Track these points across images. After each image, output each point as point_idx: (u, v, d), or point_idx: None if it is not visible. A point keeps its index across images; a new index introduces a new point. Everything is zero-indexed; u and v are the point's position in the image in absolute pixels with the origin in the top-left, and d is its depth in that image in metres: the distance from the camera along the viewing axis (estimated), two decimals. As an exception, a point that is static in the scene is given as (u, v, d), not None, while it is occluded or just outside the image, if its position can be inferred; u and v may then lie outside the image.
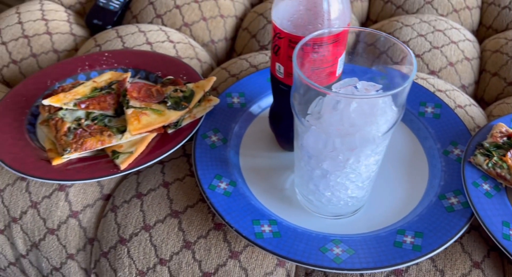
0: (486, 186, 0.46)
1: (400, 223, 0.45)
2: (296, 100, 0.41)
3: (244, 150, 0.53)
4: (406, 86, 0.37)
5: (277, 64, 0.46)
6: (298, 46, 0.39)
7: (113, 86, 0.53)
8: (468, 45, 0.71)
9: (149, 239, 0.47)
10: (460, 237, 0.46)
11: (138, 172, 0.52)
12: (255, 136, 0.55)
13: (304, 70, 0.43)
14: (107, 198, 0.52)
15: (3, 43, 0.69)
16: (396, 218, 0.46)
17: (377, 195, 0.48)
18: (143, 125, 0.49)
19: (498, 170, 0.46)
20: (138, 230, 0.47)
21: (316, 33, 0.40)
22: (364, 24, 0.84)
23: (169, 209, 0.48)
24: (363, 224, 0.46)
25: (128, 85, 0.53)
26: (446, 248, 0.45)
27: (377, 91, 0.42)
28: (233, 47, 0.78)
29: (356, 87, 0.43)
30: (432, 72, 0.67)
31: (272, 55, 0.46)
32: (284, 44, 0.43)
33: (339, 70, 0.45)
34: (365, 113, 0.40)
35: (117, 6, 0.76)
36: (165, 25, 0.75)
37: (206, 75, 0.68)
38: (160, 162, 0.52)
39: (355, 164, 0.41)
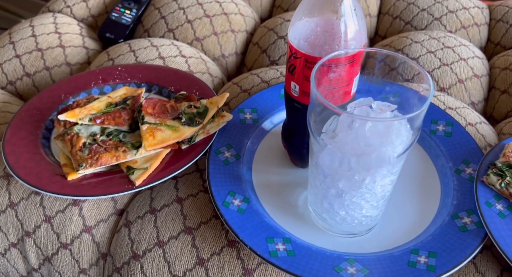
0: (499, 206, 0.46)
1: (413, 243, 0.46)
2: (312, 118, 0.41)
3: (257, 166, 0.54)
4: (423, 109, 0.38)
5: (293, 83, 0.46)
6: (316, 67, 0.39)
7: (128, 102, 0.54)
8: (477, 62, 0.71)
9: (163, 255, 0.47)
10: (474, 257, 0.46)
11: (151, 187, 0.52)
12: (267, 152, 0.55)
13: (320, 90, 0.43)
14: (121, 213, 0.52)
15: (17, 56, 0.69)
16: (409, 237, 0.46)
17: (390, 214, 0.48)
18: (158, 141, 0.50)
19: (511, 190, 0.47)
20: (152, 246, 0.47)
21: (333, 54, 0.41)
22: (372, 39, 0.85)
23: (183, 225, 0.48)
24: (377, 243, 0.46)
25: (143, 101, 0.53)
26: (459, 268, 0.45)
27: (392, 111, 0.42)
28: (244, 62, 0.78)
29: (371, 107, 0.43)
30: (442, 89, 0.67)
31: (287, 74, 0.46)
32: (300, 64, 0.44)
33: (354, 89, 0.46)
34: (380, 133, 0.41)
35: (129, 20, 0.77)
36: (177, 40, 0.75)
37: (217, 89, 0.69)
38: (174, 177, 0.52)
39: (371, 184, 0.41)
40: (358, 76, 0.45)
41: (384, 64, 0.44)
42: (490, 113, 0.69)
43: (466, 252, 0.43)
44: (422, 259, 0.43)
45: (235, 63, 0.77)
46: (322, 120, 0.41)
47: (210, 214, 0.49)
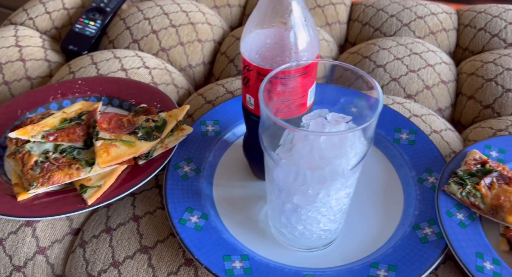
0: (460, 216, 0.46)
1: (374, 256, 0.45)
2: (265, 134, 0.40)
3: (218, 180, 0.52)
4: (373, 119, 0.37)
5: (248, 96, 0.45)
6: (264, 81, 0.38)
7: (83, 117, 0.52)
8: (444, 68, 0.71)
9: (118, 276, 0.45)
10: (436, 268, 0.45)
11: (108, 205, 0.51)
12: (229, 165, 0.54)
13: (273, 102, 0.43)
14: (76, 232, 0.50)
15: (-25, 71, 0.67)
16: (371, 250, 0.46)
17: (351, 226, 0.47)
18: (112, 157, 0.48)
19: (472, 199, 0.46)
20: (107, 266, 0.46)
21: (284, 66, 0.40)
22: (342, 46, 0.84)
23: (139, 244, 0.47)
24: (337, 257, 0.45)
25: (98, 116, 0.52)
26: (421, 281, 0.44)
27: (347, 122, 0.41)
28: (212, 72, 0.77)
29: (326, 118, 0.42)
30: (409, 96, 0.67)
31: (243, 86, 0.45)
32: (253, 76, 0.43)
33: (309, 101, 0.45)
34: (335, 145, 0.40)
35: (93, 31, 0.75)
36: (142, 51, 0.74)
37: (182, 100, 0.68)
38: (132, 194, 0.51)
39: (325, 198, 0.40)
40: (313, 87, 0.44)
41: (338, 75, 0.43)
42: (457, 119, 0.69)
43: (426, 264, 0.43)
44: (382, 273, 0.42)
45: (203, 73, 0.76)
46: (274, 135, 0.40)
47: (167, 232, 0.47)
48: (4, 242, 0.48)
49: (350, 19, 0.86)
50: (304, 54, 0.41)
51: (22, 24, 0.78)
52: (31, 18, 0.79)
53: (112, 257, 0.46)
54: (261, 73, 0.42)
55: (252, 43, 0.42)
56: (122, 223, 0.48)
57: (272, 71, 0.39)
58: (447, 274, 0.45)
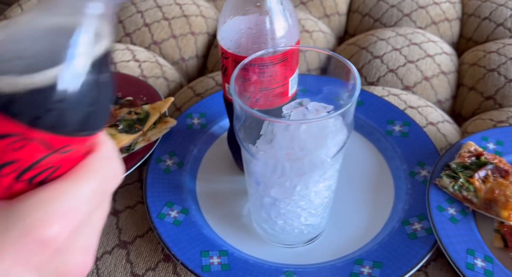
0: (451, 211, 0.43)
1: (359, 252, 0.43)
2: (239, 125, 0.39)
3: (202, 175, 0.51)
4: (351, 105, 0.35)
5: (227, 85, 0.44)
6: (237, 69, 0.37)
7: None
8: (445, 58, 0.68)
9: (96, 271, 0.44)
10: (425, 266, 0.43)
11: (89, 199, 0.49)
12: (215, 159, 0.53)
13: (250, 91, 0.41)
14: (57, 227, 0.49)
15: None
16: (356, 246, 0.44)
17: (338, 221, 0.46)
18: (92, 150, 0.47)
19: (465, 193, 0.44)
20: (85, 262, 0.45)
21: (258, 53, 0.38)
22: (342, 38, 0.82)
23: (118, 239, 0.45)
24: (322, 253, 0.43)
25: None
26: (408, 279, 0.41)
27: (329, 112, 0.40)
28: (206, 65, 0.76)
29: (307, 108, 0.40)
30: (406, 88, 0.64)
31: (222, 76, 0.44)
32: (230, 65, 0.41)
33: (291, 90, 0.43)
34: (315, 136, 0.38)
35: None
36: (134, 44, 0.73)
37: (173, 94, 0.66)
38: (113, 188, 0.50)
39: (303, 190, 0.38)
40: (295, 76, 0.43)
41: (319, 62, 0.41)
42: (458, 111, 0.66)
43: (413, 261, 0.40)
44: (366, 270, 0.40)
45: (196, 67, 0.75)
46: (249, 126, 0.38)
47: (147, 227, 0.46)
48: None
49: (349, 10, 0.83)
50: (282, 40, 0.39)
51: (16, 19, 0.78)
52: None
53: (90, 253, 0.45)
54: (237, 61, 0.40)
55: (227, 30, 0.40)
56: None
57: (246, 59, 0.37)
58: (437, 272, 0.43)
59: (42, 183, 0.22)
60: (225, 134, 0.55)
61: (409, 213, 0.45)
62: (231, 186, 0.50)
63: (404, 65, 0.66)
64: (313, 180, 0.38)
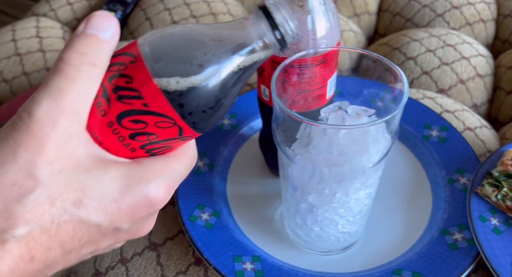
0: (494, 221, 0.41)
1: (397, 261, 0.41)
2: (278, 128, 0.37)
3: (233, 177, 0.50)
4: (397, 113, 0.33)
5: (262, 86, 0.43)
6: (277, 70, 0.36)
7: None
8: (481, 60, 0.66)
9: (126, 273, 0.43)
10: (466, 278, 0.41)
11: (119, 199, 0.49)
12: (245, 161, 0.52)
13: (289, 93, 0.40)
14: (86, 226, 0.49)
15: (-4, 62, 0.67)
16: (394, 255, 0.42)
17: (374, 228, 0.44)
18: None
19: (508, 203, 0.42)
20: (115, 263, 0.44)
21: (299, 54, 0.37)
22: (372, 38, 0.80)
23: (148, 241, 0.45)
24: (357, 262, 0.42)
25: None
26: (449, 291, 0.40)
27: (370, 116, 0.38)
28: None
29: (346, 111, 0.39)
30: (441, 90, 0.62)
31: (257, 76, 0.43)
32: (267, 66, 0.40)
33: (329, 93, 0.42)
34: (356, 141, 0.37)
35: (113, 22, 0.74)
36: (162, 42, 0.72)
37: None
38: (143, 188, 0.49)
39: (343, 198, 0.37)
40: (334, 78, 0.41)
41: (362, 65, 0.40)
42: (494, 115, 0.64)
43: (455, 273, 0.39)
44: (405, 281, 0.39)
45: (224, 66, 0.74)
46: (288, 129, 0.37)
47: (178, 229, 0.45)
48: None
49: (380, 10, 0.81)
50: (323, 41, 0.38)
51: (44, 15, 0.78)
52: (53, 9, 0.78)
53: (120, 254, 0.44)
54: (276, 61, 0.39)
55: (267, 30, 0.39)
56: (131, 218, 0.46)
57: (286, 60, 0.36)
58: (478, 285, 0.41)
59: (155, 154, 0.27)
60: (255, 136, 0.54)
61: (449, 222, 0.43)
62: (262, 189, 0.49)
63: (439, 67, 0.64)
64: (354, 187, 0.36)
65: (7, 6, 1.46)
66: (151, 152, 0.27)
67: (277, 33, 0.26)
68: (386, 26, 0.79)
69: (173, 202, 0.48)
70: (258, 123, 0.54)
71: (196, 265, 0.43)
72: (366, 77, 0.41)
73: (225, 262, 0.40)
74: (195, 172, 0.48)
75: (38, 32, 0.72)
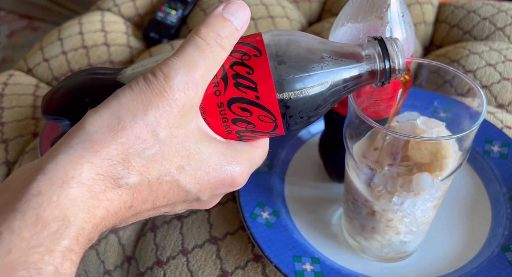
0: (557, 242, 0.41)
1: (456, 274, 0.41)
2: (349, 133, 0.38)
3: (290, 178, 0.51)
4: (474, 129, 0.34)
5: (332, 93, 0.43)
6: (356, 78, 0.36)
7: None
8: (542, 77, 0.65)
9: (186, 264, 0.45)
10: (525, 297, 0.41)
11: (180, 192, 0.51)
12: (302, 164, 0.53)
13: (360, 101, 0.40)
14: (148, 216, 0.51)
15: (64, 53, 0.71)
16: (452, 268, 0.42)
17: (432, 240, 0.44)
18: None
19: None
20: (176, 253, 0.46)
21: (376, 63, 0.37)
22: (427, 48, 0.80)
23: (209, 234, 0.46)
24: (414, 271, 0.42)
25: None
26: (507, 308, 0.40)
27: (439, 129, 0.38)
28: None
29: (416, 122, 0.40)
30: (500, 106, 0.62)
31: (327, 82, 0.44)
32: (340, 73, 0.41)
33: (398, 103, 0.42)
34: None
35: (174, 20, 0.77)
36: (220, 41, 0.74)
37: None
38: (203, 183, 0.51)
39: (410, 208, 0.37)
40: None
41: (434, 77, 0.40)
42: (554, 134, 0.62)
43: (516, 291, 0.39)
44: (465, 295, 0.39)
45: (278, 68, 0.75)
46: (360, 134, 0.38)
47: (237, 225, 0.47)
48: (80, 219, 0.50)
49: (437, 20, 0.81)
50: (399, 52, 0.39)
51: (108, 10, 0.81)
52: (116, 5, 0.81)
53: (182, 244, 0.46)
54: (351, 69, 0.40)
55: (343, 37, 0.40)
56: (193, 211, 0.48)
57: (365, 68, 0.37)
58: (537, 304, 0.41)
59: (242, 141, 0.30)
60: (312, 140, 0.55)
61: (510, 240, 0.43)
62: (319, 192, 0.50)
63: (499, 82, 0.64)
64: (422, 198, 0.37)
65: (71, 2, 1.52)
66: (241, 138, 0.30)
67: (387, 63, 0.28)
68: (442, 37, 0.79)
69: (233, 198, 0.49)
70: (316, 127, 0.55)
71: (254, 262, 0.44)
72: (436, 89, 0.41)
73: (285, 261, 0.41)
74: (256, 171, 0.50)
75: (103, 26, 0.75)
